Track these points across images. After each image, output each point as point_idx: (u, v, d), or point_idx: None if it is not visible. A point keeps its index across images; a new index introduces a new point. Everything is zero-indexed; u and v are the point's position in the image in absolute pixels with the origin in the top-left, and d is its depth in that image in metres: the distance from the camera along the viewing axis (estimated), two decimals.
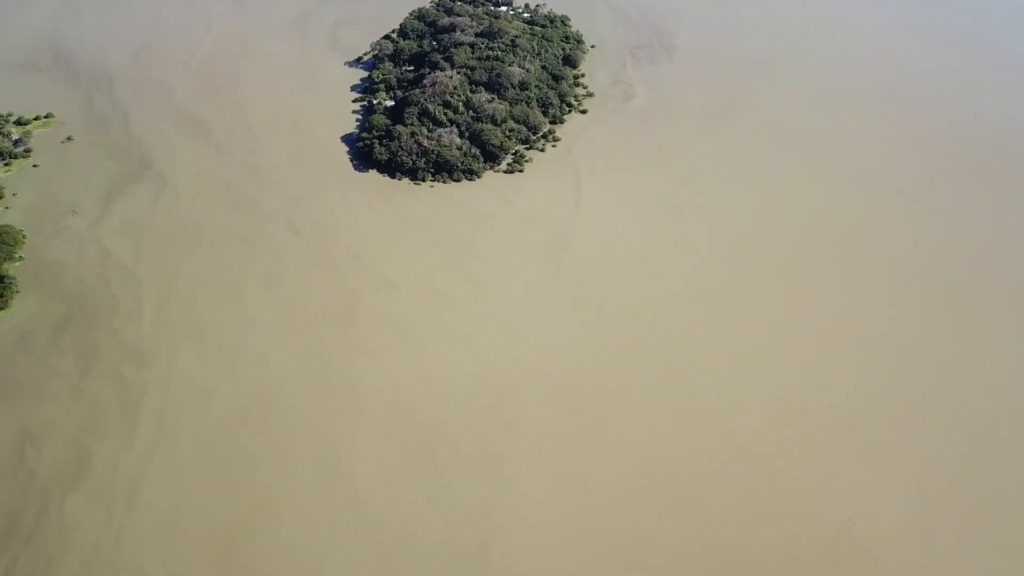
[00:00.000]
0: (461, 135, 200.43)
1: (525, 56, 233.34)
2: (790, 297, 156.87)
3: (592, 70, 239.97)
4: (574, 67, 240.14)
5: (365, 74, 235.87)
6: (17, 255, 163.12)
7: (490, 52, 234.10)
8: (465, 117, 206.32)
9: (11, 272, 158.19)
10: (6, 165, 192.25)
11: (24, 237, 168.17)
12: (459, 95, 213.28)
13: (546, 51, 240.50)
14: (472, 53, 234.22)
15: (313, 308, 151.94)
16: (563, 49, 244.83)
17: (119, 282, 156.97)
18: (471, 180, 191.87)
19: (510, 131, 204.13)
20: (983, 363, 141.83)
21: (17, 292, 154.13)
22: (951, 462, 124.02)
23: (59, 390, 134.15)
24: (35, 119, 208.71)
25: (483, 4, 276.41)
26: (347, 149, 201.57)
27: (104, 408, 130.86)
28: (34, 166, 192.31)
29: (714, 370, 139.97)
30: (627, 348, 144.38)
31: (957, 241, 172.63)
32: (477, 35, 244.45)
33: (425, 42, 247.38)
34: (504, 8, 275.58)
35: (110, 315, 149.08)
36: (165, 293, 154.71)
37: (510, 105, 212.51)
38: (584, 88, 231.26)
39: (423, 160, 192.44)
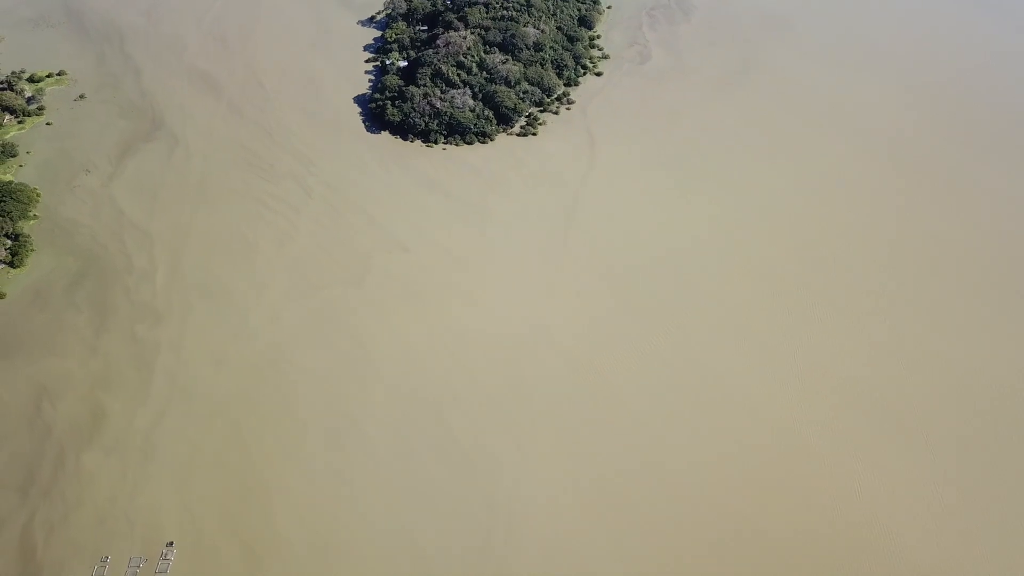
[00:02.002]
0: (474, 97, 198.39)
1: (540, 16, 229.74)
2: (804, 261, 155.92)
3: (608, 31, 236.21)
4: (590, 28, 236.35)
5: (378, 33, 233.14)
6: (32, 213, 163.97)
7: (504, 12, 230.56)
8: (478, 78, 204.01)
9: (26, 231, 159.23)
10: (20, 123, 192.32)
11: (39, 195, 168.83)
12: (473, 56, 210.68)
13: (561, 11, 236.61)
14: (486, 13, 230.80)
15: (325, 268, 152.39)
16: (579, 10, 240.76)
17: (132, 240, 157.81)
18: (484, 143, 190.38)
19: (524, 93, 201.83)
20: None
21: (32, 251, 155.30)
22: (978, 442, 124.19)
23: (74, 346, 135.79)
24: (48, 76, 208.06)
25: None
26: (359, 110, 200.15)
27: (119, 365, 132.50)
28: (47, 124, 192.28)
29: (724, 333, 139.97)
30: (636, 308, 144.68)
31: (980, 212, 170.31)
32: None
33: (439, 1, 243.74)
34: None
35: (124, 273, 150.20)
36: (178, 252, 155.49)
37: (524, 66, 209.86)
38: (599, 50, 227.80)
39: (436, 122, 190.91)
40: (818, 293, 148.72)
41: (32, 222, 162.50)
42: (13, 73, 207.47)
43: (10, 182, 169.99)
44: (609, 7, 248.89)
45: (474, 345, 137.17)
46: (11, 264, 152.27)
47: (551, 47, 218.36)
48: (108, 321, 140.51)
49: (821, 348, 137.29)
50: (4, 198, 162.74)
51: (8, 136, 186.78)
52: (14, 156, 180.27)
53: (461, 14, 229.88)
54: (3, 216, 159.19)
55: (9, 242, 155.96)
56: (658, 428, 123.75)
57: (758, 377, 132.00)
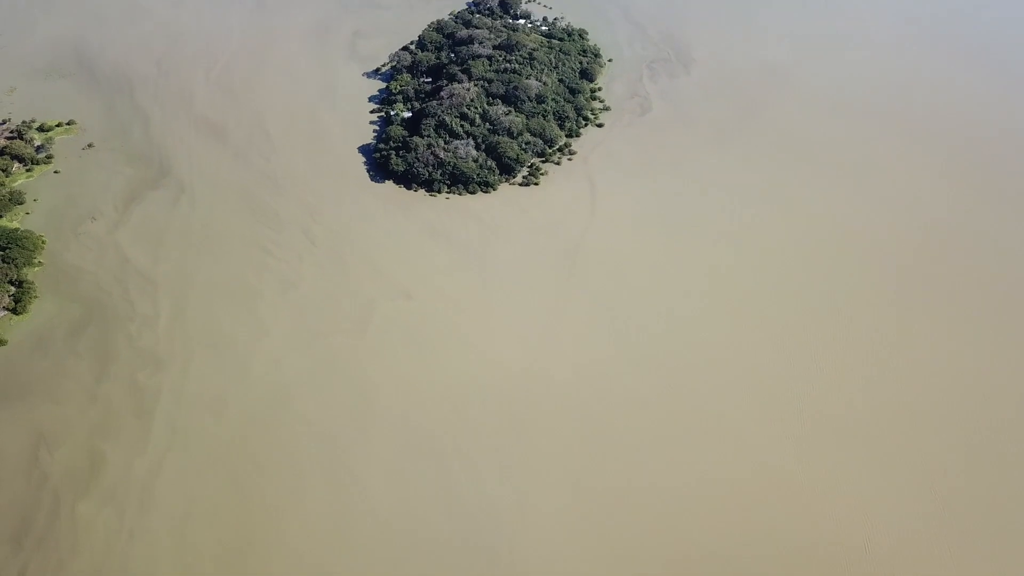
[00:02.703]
0: (477, 147, 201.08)
1: (542, 69, 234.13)
2: (803, 308, 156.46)
3: (609, 83, 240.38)
4: (591, 81, 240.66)
5: (383, 85, 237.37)
6: (36, 260, 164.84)
7: (508, 65, 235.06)
8: (482, 129, 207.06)
9: (30, 277, 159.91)
10: (28, 171, 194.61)
11: (44, 242, 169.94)
12: (476, 107, 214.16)
13: (563, 64, 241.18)
14: (490, 65, 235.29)
15: (327, 316, 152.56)
16: (580, 62, 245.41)
17: (136, 287, 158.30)
18: (486, 192, 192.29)
19: (526, 144, 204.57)
20: (995, 372, 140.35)
21: (36, 297, 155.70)
22: (968, 469, 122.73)
23: (74, 393, 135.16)
24: (57, 125, 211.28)
25: (501, 17, 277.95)
26: (364, 160, 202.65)
27: (118, 412, 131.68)
28: (55, 172, 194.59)
29: (727, 382, 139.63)
30: (638, 357, 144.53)
31: (971, 253, 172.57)
32: (495, 48, 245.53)
33: (443, 54, 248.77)
34: (522, 21, 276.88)
35: (127, 320, 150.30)
36: (181, 299, 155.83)
37: (527, 118, 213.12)
38: (601, 101, 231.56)
39: (439, 172, 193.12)
40: (821, 342, 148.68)
41: (37, 269, 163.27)
42: (23, 123, 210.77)
43: (16, 229, 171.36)
44: (610, 60, 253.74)
45: (476, 392, 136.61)
46: (14, 311, 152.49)
47: (553, 99, 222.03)
48: (109, 368, 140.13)
49: (824, 398, 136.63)
50: (9, 245, 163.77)
51: (16, 184, 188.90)
52: (21, 204, 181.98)
53: (465, 67, 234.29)
54: (7, 263, 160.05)
55: (13, 289, 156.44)
56: (661, 476, 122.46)
57: (760, 426, 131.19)
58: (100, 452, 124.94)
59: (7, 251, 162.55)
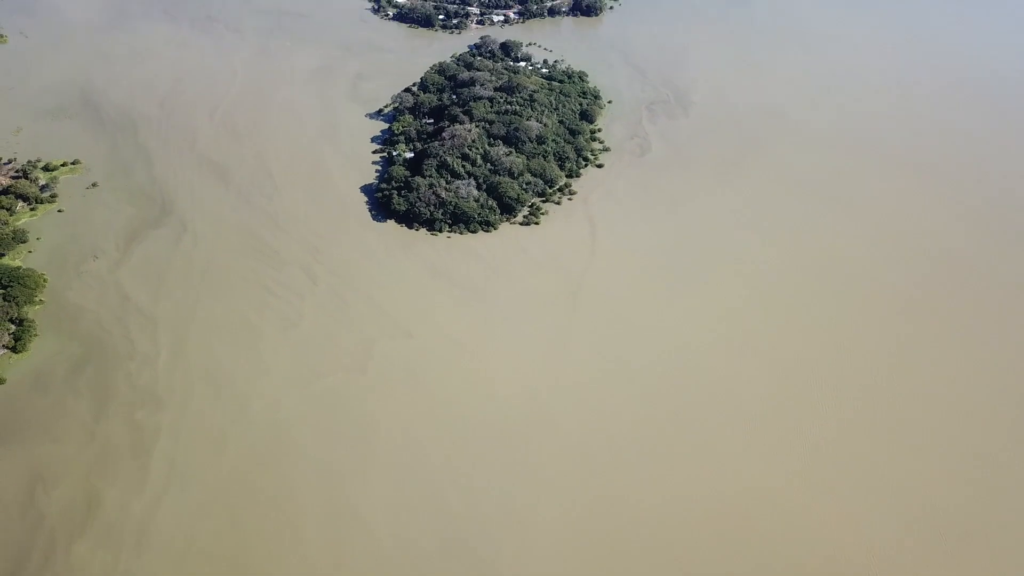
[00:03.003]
0: (479, 187, 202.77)
1: (543, 111, 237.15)
2: (808, 347, 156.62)
3: (608, 125, 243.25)
4: (591, 122, 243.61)
5: (386, 126, 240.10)
6: (38, 299, 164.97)
7: (508, 106, 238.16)
8: (483, 170, 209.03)
9: (31, 315, 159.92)
10: (32, 210, 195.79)
11: (46, 281, 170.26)
12: (477, 148, 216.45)
13: (564, 106, 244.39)
14: (491, 107, 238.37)
15: (328, 354, 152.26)
16: (580, 104, 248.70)
17: (136, 325, 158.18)
18: (488, 231, 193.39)
19: (527, 184, 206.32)
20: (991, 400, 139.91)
21: (36, 335, 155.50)
22: (965, 499, 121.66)
23: (72, 432, 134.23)
24: (62, 165, 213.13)
25: (502, 60, 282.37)
26: (366, 199, 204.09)
27: (116, 451, 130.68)
28: (59, 211, 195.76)
29: (727, 422, 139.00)
30: (638, 394, 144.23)
31: (972, 284, 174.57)
32: (496, 89, 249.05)
33: (445, 95, 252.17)
34: (523, 64, 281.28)
35: (126, 358, 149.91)
36: (182, 337, 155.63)
37: (527, 158, 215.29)
38: (601, 142, 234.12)
39: (441, 211, 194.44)
40: (824, 380, 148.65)
41: (38, 307, 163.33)
42: (29, 162, 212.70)
43: (18, 268, 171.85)
44: (610, 102, 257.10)
45: (477, 431, 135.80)
46: (13, 349, 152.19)
47: (553, 140, 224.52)
48: (108, 406, 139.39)
49: (828, 436, 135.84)
50: (11, 283, 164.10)
51: (20, 223, 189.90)
52: (24, 242, 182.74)
53: (466, 108, 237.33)
54: (8, 301, 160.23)
55: (13, 327, 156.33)
56: (663, 517, 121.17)
57: (764, 465, 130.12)
58: (97, 491, 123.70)
59: (8, 289, 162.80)
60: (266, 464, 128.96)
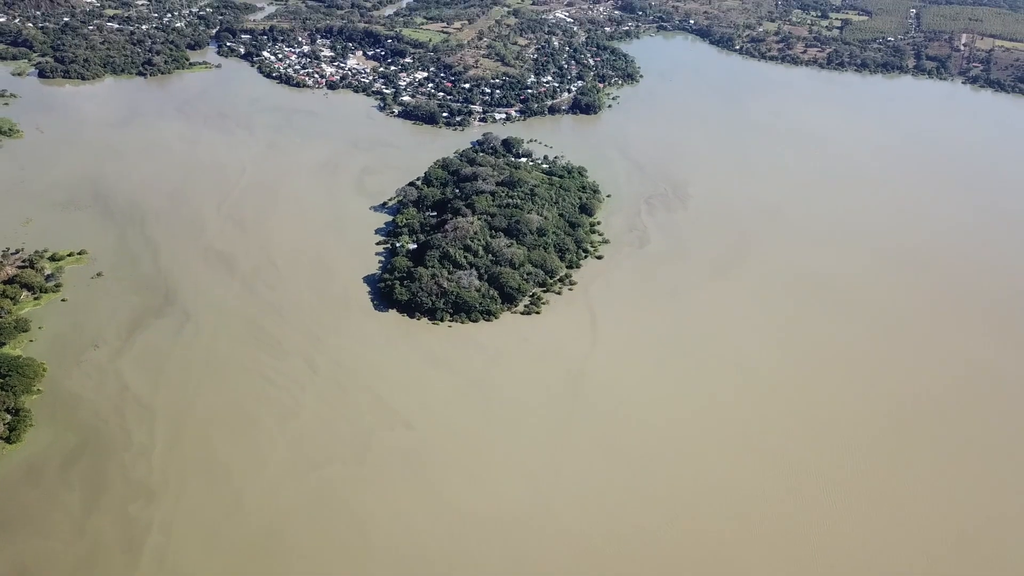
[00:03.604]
0: (480, 277, 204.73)
1: (543, 204, 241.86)
2: (804, 438, 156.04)
3: (608, 217, 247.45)
4: (590, 215, 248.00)
5: (390, 218, 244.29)
6: (35, 388, 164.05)
7: (510, 200, 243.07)
8: (484, 260, 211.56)
9: (27, 405, 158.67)
10: (36, 299, 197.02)
11: (45, 370, 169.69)
12: (479, 240, 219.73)
13: (563, 199, 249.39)
14: (493, 200, 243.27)
15: (326, 446, 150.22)
16: (580, 198, 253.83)
17: (134, 416, 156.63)
18: (489, 321, 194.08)
19: (528, 274, 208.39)
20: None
21: (31, 425, 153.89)
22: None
23: (62, 526, 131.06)
24: (68, 255, 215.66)
25: (504, 155, 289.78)
26: (368, 289, 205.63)
27: (106, 546, 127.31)
28: (63, 300, 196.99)
29: (730, 514, 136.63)
30: (640, 488, 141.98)
31: (974, 382, 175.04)
32: (498, 184, 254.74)
33: (448, 189, 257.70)
34: (524, 159, 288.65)
35: (122, 449, 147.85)
36: (179, 428, 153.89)
37: (528, 250, 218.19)
38: (600, 234, 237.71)
39: (442, 301, 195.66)
40: (821, 477, 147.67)
41: (35, 396, 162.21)
42: (36, 252, 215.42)
43: (18, 357, 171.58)
44: (609, 196, 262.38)
45: (476, 526, 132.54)
46: (8, 439, 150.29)
47: (554, 232, 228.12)
48: (100, 499, 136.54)
49: (823, 531, 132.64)
50: (10, 373, 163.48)
51: (23, 312, 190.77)
52: (26, 331, 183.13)
53: (469, 201, 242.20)
54: (5, 391, 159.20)
55: (9, 417, 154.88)
56: None
57: (761, 560, 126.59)
58: None
59: (7, 379, 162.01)
60: (258, 560, 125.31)
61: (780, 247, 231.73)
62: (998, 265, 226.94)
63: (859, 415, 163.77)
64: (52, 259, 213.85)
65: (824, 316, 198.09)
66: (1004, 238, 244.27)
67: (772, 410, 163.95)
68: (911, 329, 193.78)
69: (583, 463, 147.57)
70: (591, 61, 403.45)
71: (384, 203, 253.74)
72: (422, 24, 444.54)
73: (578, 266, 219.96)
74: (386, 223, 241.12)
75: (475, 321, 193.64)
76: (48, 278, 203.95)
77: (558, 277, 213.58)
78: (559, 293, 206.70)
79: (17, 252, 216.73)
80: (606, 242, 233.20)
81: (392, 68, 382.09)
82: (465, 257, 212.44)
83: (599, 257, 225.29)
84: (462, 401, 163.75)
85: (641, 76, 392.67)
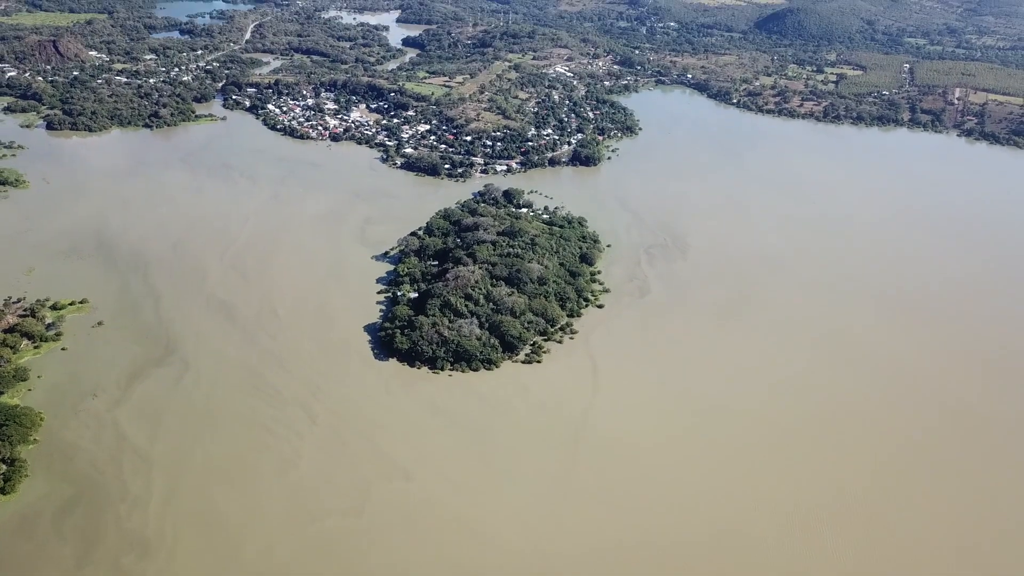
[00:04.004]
0: (481, 326, 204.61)
1: (544, 253, 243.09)
2: (806, 488, 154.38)
3: (608, 267, 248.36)
4: (591, 264, 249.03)
5: (391, 267, 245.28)
6: (32, 438, 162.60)
7: (511, 249, 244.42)
8: (485, 309, 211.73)
9: (23, 455, 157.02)
10: (36, 348, 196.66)
11: (42, 419, 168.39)
12: (480, 288, 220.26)
13: (564, 249, 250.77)
14: (494, 250, 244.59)
15: (324, 497, 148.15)
16: (580, 247, 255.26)
17: (131, 466, 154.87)
18: (489, 369, 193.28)
19: (528, 323, 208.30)
20: None
21: (26, 476, 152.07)
22: None
23: None
24: (70, 304, 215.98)
25: (505, 206, 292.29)
26: (369, 338, 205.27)
27: None
28: (63, 349, 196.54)
29: (737, 563, 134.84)
30: (644, 541, 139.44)
31: (969, 432, 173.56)
32: (499, 234, 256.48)
33: (450, 239, 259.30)
34: (525, 210, 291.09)
35: (118, 500, 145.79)
36: (176, 479, 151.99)
37: (529, 299, 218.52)
38: (600, 284, 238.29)
39: (443, 349, 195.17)
40: (824, 520, 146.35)
41: (31, 446, 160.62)
42: (38, 301, 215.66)
43: (15, 406, 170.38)
44: (609, 246, 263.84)
45: None
46: (2, 490, 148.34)
47: (554, 281, 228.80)
48: (93, 552, 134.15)
49: None
50: (6, 422, 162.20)
51: (23, 360, 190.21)
52: (24, 380, 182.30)
53: (470, 251, 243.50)
54: (1, 441, 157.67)
55: (4, 467, 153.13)
56: None
57: None
58: None
59: (3, 428, 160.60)
60: None
61: (780, 296, 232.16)
62: (997, 315, 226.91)
63: (864, 464, 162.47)
64: (54, 308, 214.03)
65: (826, 364, 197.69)
66: (1003, 288, 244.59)
67: (777, 459, 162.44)
68: (912, 378, 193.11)
69: (585, 515, 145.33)
70: (591, 114, 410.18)
71: (386, 253, 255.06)
72: (425, 78, 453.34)
73: (579, 315, 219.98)
74: (387, 272, 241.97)
75: (476, 370, 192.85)
76: (49, 327, 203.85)
77: (559, 326, 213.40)
78: (560, 342, 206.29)
79: (19, 301, 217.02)
80: (607, 291, 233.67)
81: (395, 121, 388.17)
82: (466, 306, 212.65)
83: (600, 306, 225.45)
84: (462, 452, 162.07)
85: (640, 129, 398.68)
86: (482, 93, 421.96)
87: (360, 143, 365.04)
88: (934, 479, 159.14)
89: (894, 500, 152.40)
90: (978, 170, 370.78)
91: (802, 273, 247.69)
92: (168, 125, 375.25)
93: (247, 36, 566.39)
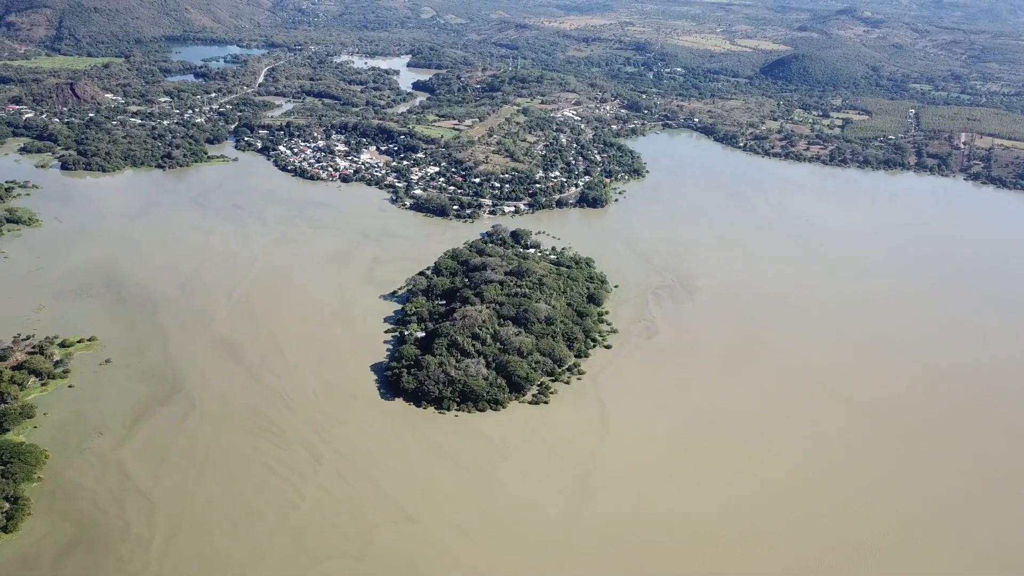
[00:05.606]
0: (488, 366, 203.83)
1: (551, 294, 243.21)
2: (819, 539, 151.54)
3: (616, 308, 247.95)
4: (598, 305, 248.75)
5: (398, 306, 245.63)
6: (36, 476, 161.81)
7: (518, 289, 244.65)
8: (492, 349, 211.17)
9: (27, 493, 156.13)
10: (43, 385, 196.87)
11: (47, 457, 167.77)
12: (487, 328, 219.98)
13: (571, 289, 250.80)
14: (501, 290, 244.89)
15: (327, 539, 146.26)
16: (588, 288, 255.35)
17: (134, 506, 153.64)
18: (496, 410, 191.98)
19: (536, 363, 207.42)
20: None
21: (29, 514, 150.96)
22: None
23: None
24: (78, 341, 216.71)
25: (512, 246, 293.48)
26: (375, 377, 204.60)
27: None
28: (69, 386, 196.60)
29: None
30: None
31: (981, 475, 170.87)
32: (506, 274, 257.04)
33: (457, 279, 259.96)
34: (532, 250, 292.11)
35: (119, 541, 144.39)
36: (178, 519, 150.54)
37: (536, 339, 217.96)
38: (608, 324, 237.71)
39: (449, 389, 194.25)
40: (838, 573, 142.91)
41: (35, 484, 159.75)
42: (46, 338, 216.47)
43: (21, 443, 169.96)
44: (616, 286, 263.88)
45: None
46: (4, 529, 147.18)
47: (562, 321, 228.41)
48: None
49: None
50: (11, 460, 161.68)
51: (29, 398, 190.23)
52: (31, 417, 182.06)
53: (478, 291, 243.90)
54: (5, 478, 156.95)
55: (7, 505, 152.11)
56: None
57: None
58: None
59: (8, 466, 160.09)
60: None
61: (788, 339, 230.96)
62: (1008, 361, 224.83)
63: (878, 514, 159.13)
64: (62, 345, 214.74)
65: (838, 409, 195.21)
66: (1013, 332, 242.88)
67: (790, 508, 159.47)
68: (925, 424, 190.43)
69: (592, 564, 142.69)
70: (598, 157, 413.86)
71: (393, 292, 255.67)
72: (434, 121, 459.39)
73: (586, 355, 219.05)
74: (395, 312, 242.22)
75: (482, 410, 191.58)
76: (56, 364, 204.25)
77: (566, 366, 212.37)
78: (567, 383, 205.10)
79: (28, 338, 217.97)
80: (614, 332, 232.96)
81: (404, 163, 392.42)
82: (473, 345, 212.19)
83: (607, 347, 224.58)
84: (467, 495, 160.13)
85: (647, 171, 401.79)
86: (491, 136, 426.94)
87: (370, 184, 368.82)
88: (953, 530, 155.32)
89: (914, 554, 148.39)
90: (987, 213, 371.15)
91: (810, 315, 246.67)
92: (180, 166, 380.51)
93: (260, 80, 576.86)
